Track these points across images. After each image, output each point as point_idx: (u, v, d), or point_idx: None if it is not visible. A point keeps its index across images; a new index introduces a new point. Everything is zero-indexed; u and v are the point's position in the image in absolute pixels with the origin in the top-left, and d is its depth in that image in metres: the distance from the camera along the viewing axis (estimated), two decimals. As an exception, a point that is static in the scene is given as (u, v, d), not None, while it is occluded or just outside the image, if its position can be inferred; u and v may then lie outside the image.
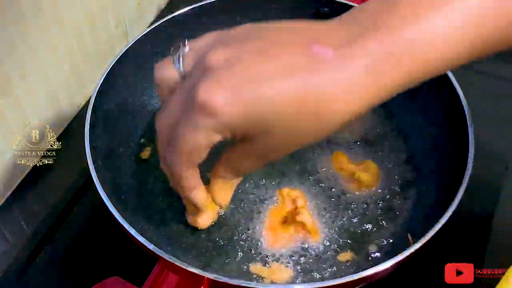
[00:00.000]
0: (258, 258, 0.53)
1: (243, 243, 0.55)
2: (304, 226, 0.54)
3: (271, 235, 0.55)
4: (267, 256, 0.54)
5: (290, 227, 0.55)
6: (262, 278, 0.52)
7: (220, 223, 0.56)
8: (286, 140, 0.38)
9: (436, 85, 0.59)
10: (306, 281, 0.52)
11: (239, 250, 0.54)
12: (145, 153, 0.63)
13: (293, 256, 0.54)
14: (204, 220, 0.52)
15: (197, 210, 0.50)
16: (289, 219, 0.56)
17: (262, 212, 0.57)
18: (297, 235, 0.55)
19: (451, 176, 0.53)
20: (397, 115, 0.65)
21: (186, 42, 0.41)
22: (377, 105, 0.37)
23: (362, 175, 0.58)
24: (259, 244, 0.54)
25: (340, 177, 0.60)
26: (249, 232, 0.55)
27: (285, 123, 0.36)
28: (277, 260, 0.53)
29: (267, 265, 0.53)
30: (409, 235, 0.53)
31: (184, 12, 0.66)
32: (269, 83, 0.35)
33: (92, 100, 0.56)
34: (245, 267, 0.53)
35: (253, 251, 0.54)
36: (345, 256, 0.54)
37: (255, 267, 0.53)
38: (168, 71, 0.41)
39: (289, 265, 0.53)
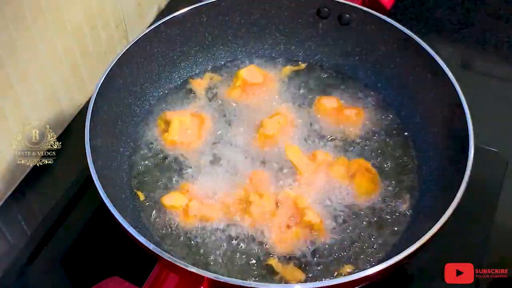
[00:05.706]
0: (268, 259, 0.53)
1: (251, 246, 0.54)
2: (311, 226, 0.54)
3: (279, 238, 0.54)
4: (279, 258, 0.53)
5: (297, 229, 0.54)
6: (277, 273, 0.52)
7: (227, 226, 0.56)
8: None
9: (436, 85, 0.60)
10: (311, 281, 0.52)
11: (248, 253, 0.54)
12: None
13: (301, 256, 0.53)
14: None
15: None
16: (296, 221, 0.55)
17: (266, 213, 0.57)
18: (305, 236, 0.54)
19: (451, 176, 0.53)
20: (397, 115, 0.65)
21: None
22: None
23: (362, 182, 0.58)
24: (267, 246, 0.54)
25: (340, 178, 0.59)
26: (257, 235, 0.55)
27: None
28: (288, 261, 0.53)
29: (279, 263, 0.53)
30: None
31: (184, 12, 0.66)
32: None
33: (92, 100, 0.56)
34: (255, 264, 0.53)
35: (262, 253, 0.54)
36: (347, 267, 0.53)
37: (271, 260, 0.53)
38: None
39: (297, 264, 0.53)
